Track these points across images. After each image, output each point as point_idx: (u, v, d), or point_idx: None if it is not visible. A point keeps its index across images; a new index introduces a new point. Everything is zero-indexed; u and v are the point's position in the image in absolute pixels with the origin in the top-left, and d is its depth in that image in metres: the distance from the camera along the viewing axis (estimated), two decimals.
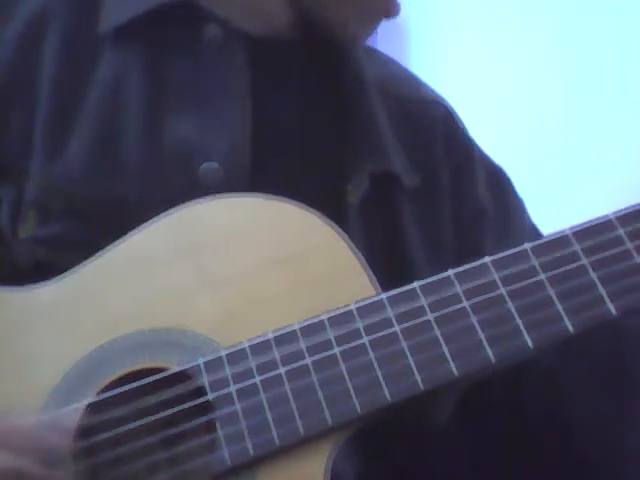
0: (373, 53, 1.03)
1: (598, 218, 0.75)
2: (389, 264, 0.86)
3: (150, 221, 0.80)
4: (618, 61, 1.78)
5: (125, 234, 0.79)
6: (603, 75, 1.79)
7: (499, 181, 1.01)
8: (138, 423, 0.73)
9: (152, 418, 0.73)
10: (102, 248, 0.79)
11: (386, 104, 0.96)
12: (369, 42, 1.14)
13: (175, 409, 0.73)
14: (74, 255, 0.80)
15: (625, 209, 0.75)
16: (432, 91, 1.03)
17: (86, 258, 0.79)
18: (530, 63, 1.89)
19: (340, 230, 0.78)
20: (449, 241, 0.94)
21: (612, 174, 1.70)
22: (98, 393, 0.75)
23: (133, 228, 0.80)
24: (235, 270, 0.77)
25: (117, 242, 0.79)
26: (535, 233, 0.99)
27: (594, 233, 0.74)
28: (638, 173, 1.63)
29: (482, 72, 1.97)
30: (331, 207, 0.80)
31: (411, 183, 0.92)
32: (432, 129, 0.98)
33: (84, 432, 0.74)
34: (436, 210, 0.94)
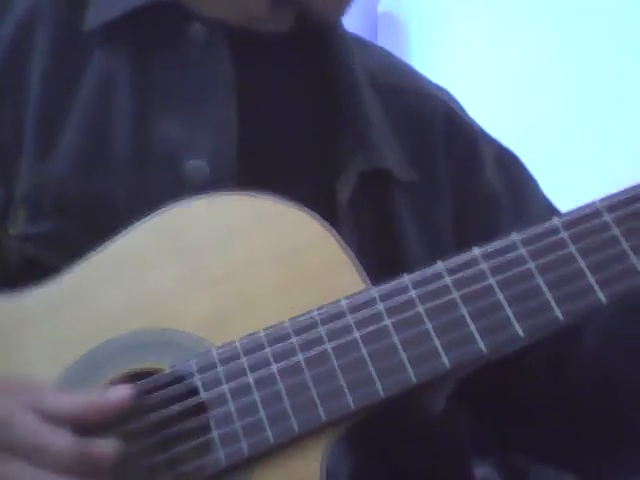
0: (367, 45, 1.02)
1: (584, 205, 0.74)
2: (384, 259, 0.86)
3: (139, 222, 0.79)
4: (618, 60, 1.77)
5: (114, 232, 0.79)
6: (604, 71, 1.78)
7: (507, 159, 1.00)
8: (132, 426, 0.73)
9: (147, 420, 0.73)
10: (91, 246, 0.79)
11: (382, 96, 0.95)
12: (369, 38, 1.13)
13: (169, 411, 0.73)
14: (63, 252, 0.80)
15: (610, 195, 0.74)
16: (429, 81, 1.02)
17: (75, 256, 0.79)
18: (530, 58, 1.89)
19: (328, 225, 0.78)
20: (449, 234, 0.93)
21: (612, 174, 1.70)
22: None
23: (122, 226, 0.79)
24: (225, 269, 0.77)
25: (107, 243, 0.79)
26: (550, 207, 0.98)
27: (581, 220, 0.74)
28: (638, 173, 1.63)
29: (481, 68, 1.97)
30: (321, 204, 0.80)
31: (407, 177, 0.92)
32: (432, 120, 0.97)
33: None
34: (436, 203, 0.93)
